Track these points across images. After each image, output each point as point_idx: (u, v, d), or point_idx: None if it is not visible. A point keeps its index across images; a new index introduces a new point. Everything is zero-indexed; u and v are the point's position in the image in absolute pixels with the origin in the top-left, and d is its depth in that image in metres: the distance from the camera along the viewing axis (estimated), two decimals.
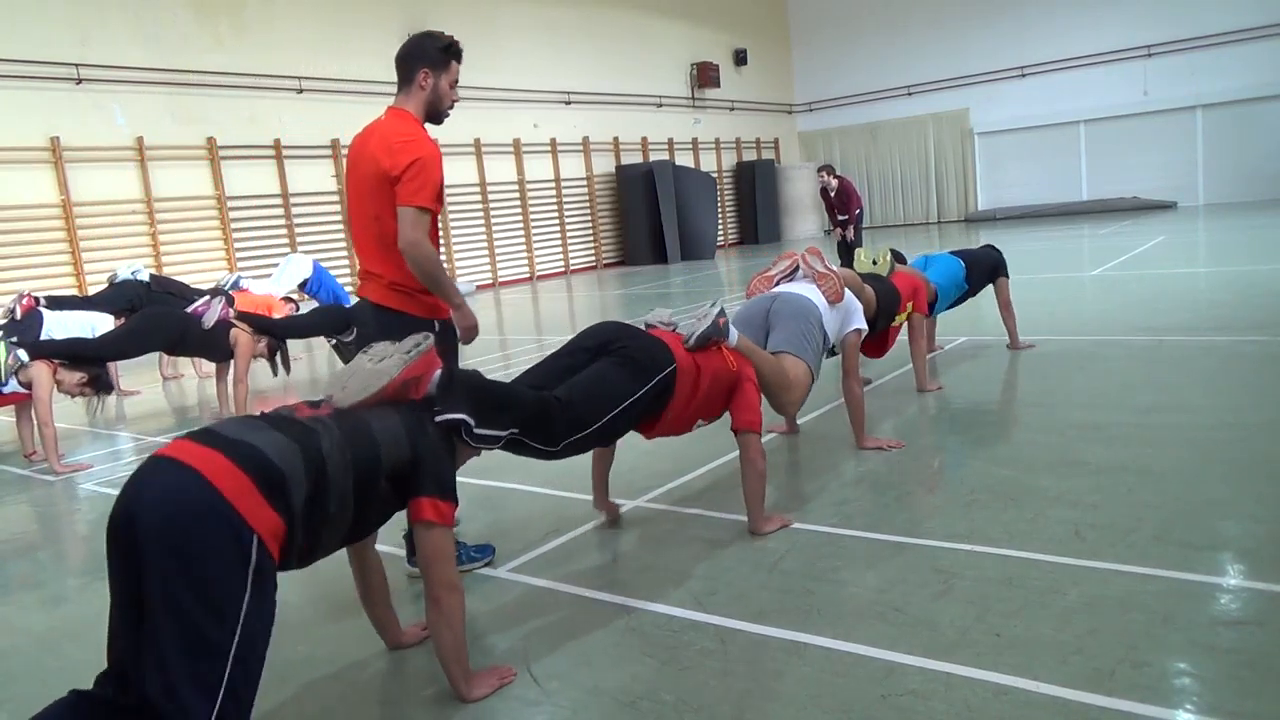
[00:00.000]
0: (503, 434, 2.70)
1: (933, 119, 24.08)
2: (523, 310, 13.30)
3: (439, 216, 3.31)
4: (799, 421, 4.97)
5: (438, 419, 2.48)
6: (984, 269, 6.32)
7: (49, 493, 5.15)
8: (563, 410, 2.88)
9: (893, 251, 5.77)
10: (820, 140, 25.90)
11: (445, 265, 17.47)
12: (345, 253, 15.09)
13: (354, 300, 4.42)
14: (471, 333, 3.35)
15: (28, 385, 5.52)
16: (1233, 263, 10.48)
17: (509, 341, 9.70)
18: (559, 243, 19.08)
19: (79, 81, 11.97)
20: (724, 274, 15.83)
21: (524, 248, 18.28)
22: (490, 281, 17.54)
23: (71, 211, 11.83)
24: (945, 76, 23.66)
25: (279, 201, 14.29)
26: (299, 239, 14.48)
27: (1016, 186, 23.27)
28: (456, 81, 3.36)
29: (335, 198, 15.05)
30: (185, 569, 1.89)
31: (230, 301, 6.84)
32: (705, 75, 22.33)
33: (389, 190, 3.15)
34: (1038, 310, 7.77)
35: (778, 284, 4.43)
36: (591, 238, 19.86)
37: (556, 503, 4.05)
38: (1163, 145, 21.22)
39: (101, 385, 5.78)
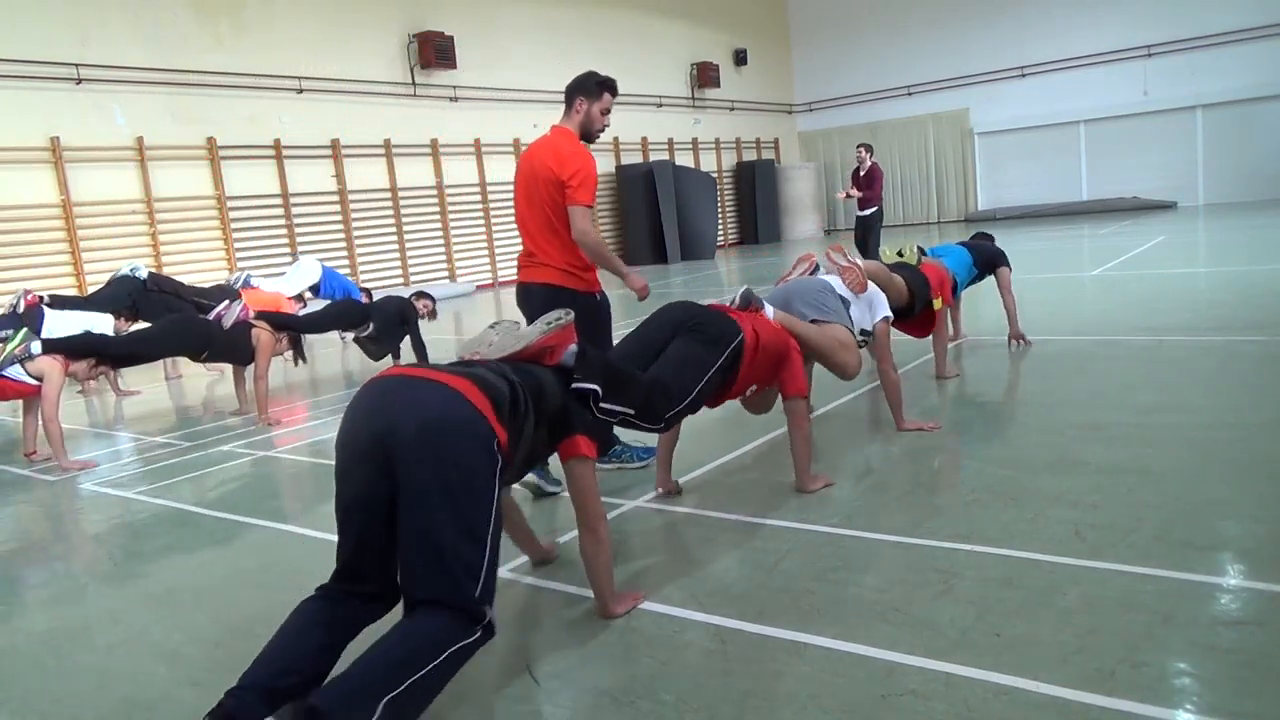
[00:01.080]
0: (623, 411, 3.01)
1: (933, 119, 24.07)
2: None
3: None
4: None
5: (573, 386, 2.77)
6: (984, 256, 6.53)
7: (49, 492, 5.15)
8: (662, 390, 3.22)
9: (919, 247, 6.04)
10: (820, 140, 25.91)
11: (445, 265, 17.39)
12: (345, 253, 15.10)
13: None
14: (645, 291, 4.30)
15: (38, 378, 5.51)
16: (1233, 263, 10.48)
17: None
18: None
19: (79, 81, 11.97)
20: (724, 274, 15.83)
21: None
22: (490, 281, 17.55)
23: (71, 211, 11.83)
24: (945, 76, 23.67)
25: (279, 201, 14.29)
26: (299, 239, 14.48)
27: (1016, 186, 23.27)
28: (608, 110, 4.20)
29: (335, 198, 15.06)
30: (456, 465, 2.19)
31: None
32: (705, 75, 22.33)
33: (560, 190, 4.04)
34: (1038, 310, 7.77)
35: None
36: None
37: (556, 503, 4.05)
38: (1163, 145, 21.22)
39: (108, 362, 5.97)
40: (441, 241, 16.78)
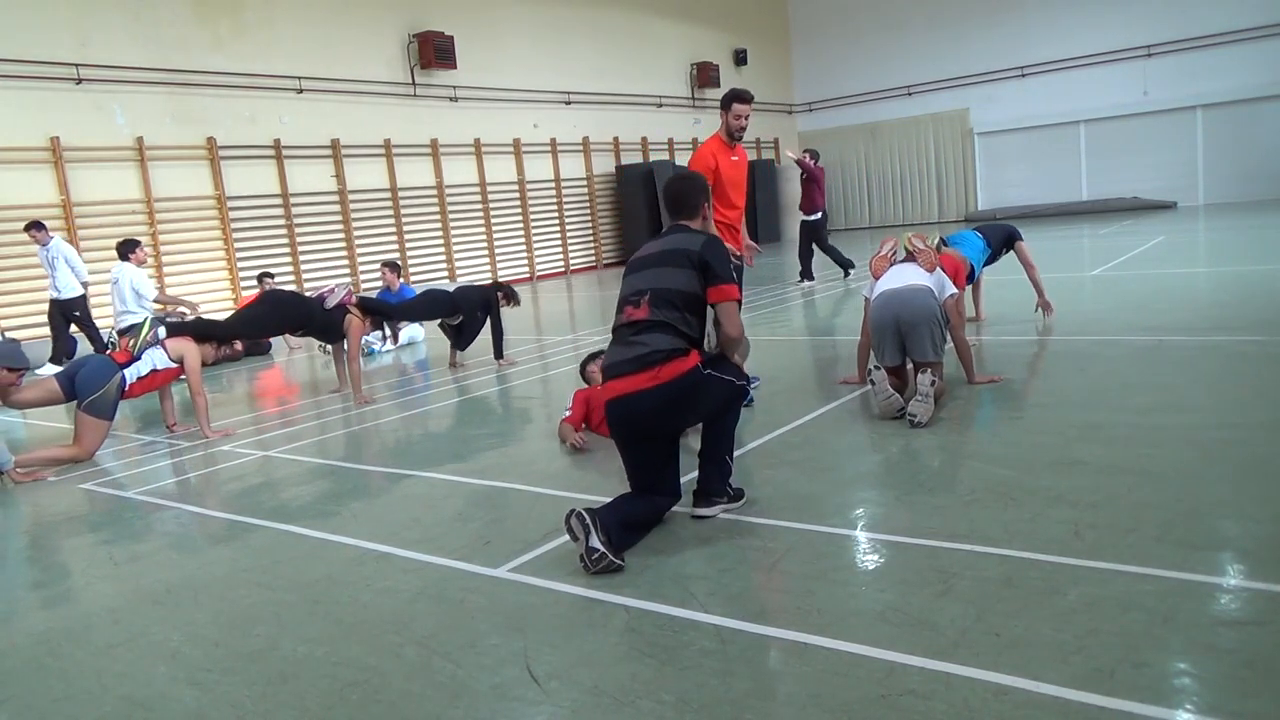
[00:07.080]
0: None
1: (933, 119, 24.08)
2: (523, 309, 13.30)
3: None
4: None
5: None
6: (999, 236, 7.08)
7: (49, 492, 5.15)
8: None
9: (941, 238, 6.60)
10: (820, 140, 25.88)
11: (445, 265, 17.36)
12: (344, 253, 15.11)
13: None
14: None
15: (179, 360, 6.11)
16: (1233, 263, 10.48)
17: (508, 341, 9.68)
18: (559, 242, 19.08)
19: (79, 81, 11.97)
20: None
21: (524, 247, 18.28)
22: (490, 281, 17.52)
23: (71, 211, 11.83)
24: (945, 76, 23.68)
25: (279, 201, 14.29)
26: (299, 239, 14.48)
27: (1016, 186, 23.29)
28: (740, 115, 5.62)
29: (335, 198, 15.06)
30: (705, 396, 3.56)
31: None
32: (705, 75, 22.32)
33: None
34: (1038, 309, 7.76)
35: (893, 263, 5.53)
36: (591, 238, 19.87)
37: (556, 502, 4.05)
38: (1163, 145, 21.23)
39: (229, 344, 7.11)
40: (441, 241, 16.78)
